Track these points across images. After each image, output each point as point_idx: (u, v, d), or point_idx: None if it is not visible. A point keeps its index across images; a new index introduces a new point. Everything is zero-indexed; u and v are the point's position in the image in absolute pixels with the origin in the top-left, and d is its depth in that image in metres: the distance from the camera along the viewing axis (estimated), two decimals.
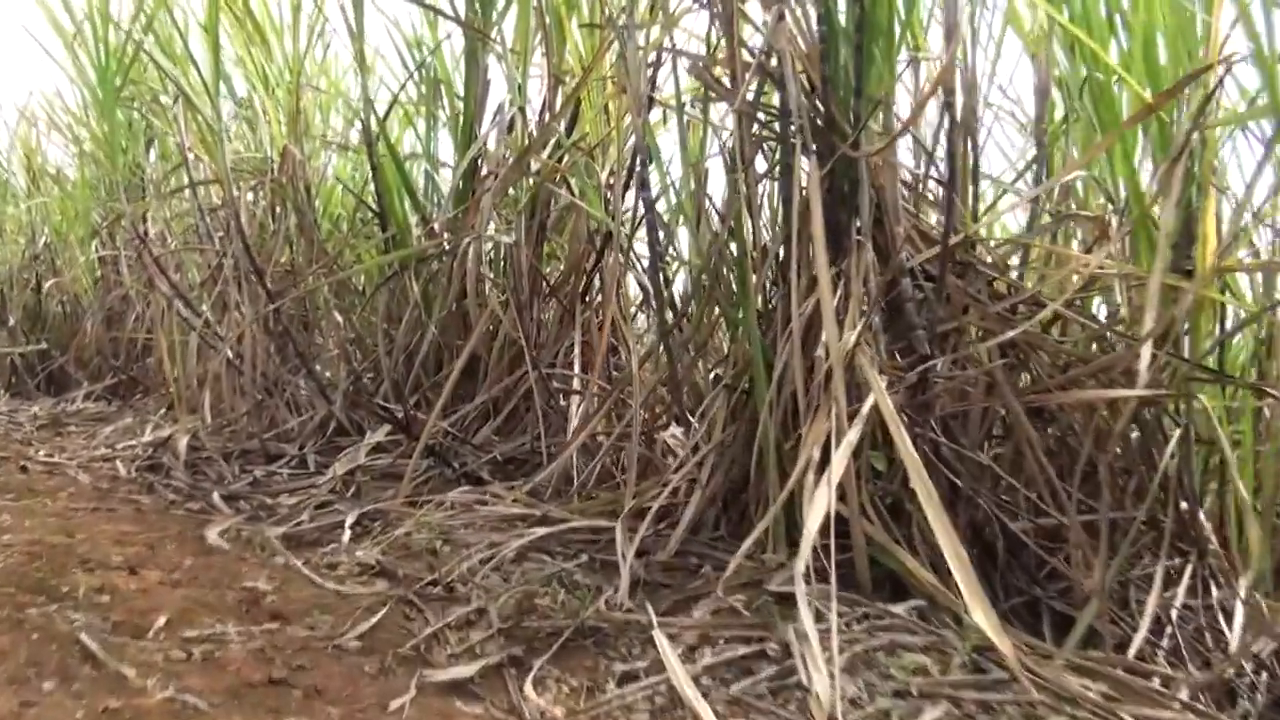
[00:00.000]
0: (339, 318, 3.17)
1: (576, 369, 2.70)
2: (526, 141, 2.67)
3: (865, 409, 1.80)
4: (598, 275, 2.83)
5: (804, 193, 1.98)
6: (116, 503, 2.44)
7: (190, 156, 3.69)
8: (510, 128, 3.00)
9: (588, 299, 2.82)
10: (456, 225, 3.10)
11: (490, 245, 3.01)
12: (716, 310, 2.29)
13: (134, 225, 3.48)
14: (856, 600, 1.75)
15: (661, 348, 2.19)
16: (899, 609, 1.75)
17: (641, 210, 2.34)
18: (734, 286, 2.20)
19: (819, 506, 1.64)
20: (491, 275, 3.07)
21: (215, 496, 2.58)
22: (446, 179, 3.28)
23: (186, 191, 4.86)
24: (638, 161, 2.18)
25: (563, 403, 2.80)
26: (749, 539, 1.75)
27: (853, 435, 1.76)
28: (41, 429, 3.94)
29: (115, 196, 5.16)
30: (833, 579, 1.55)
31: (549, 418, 2.71)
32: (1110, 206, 2.39)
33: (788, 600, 1.70)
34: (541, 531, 2.07)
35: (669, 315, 2.19)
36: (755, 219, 2.06)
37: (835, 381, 1.81)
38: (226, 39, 3.44)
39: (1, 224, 6.36)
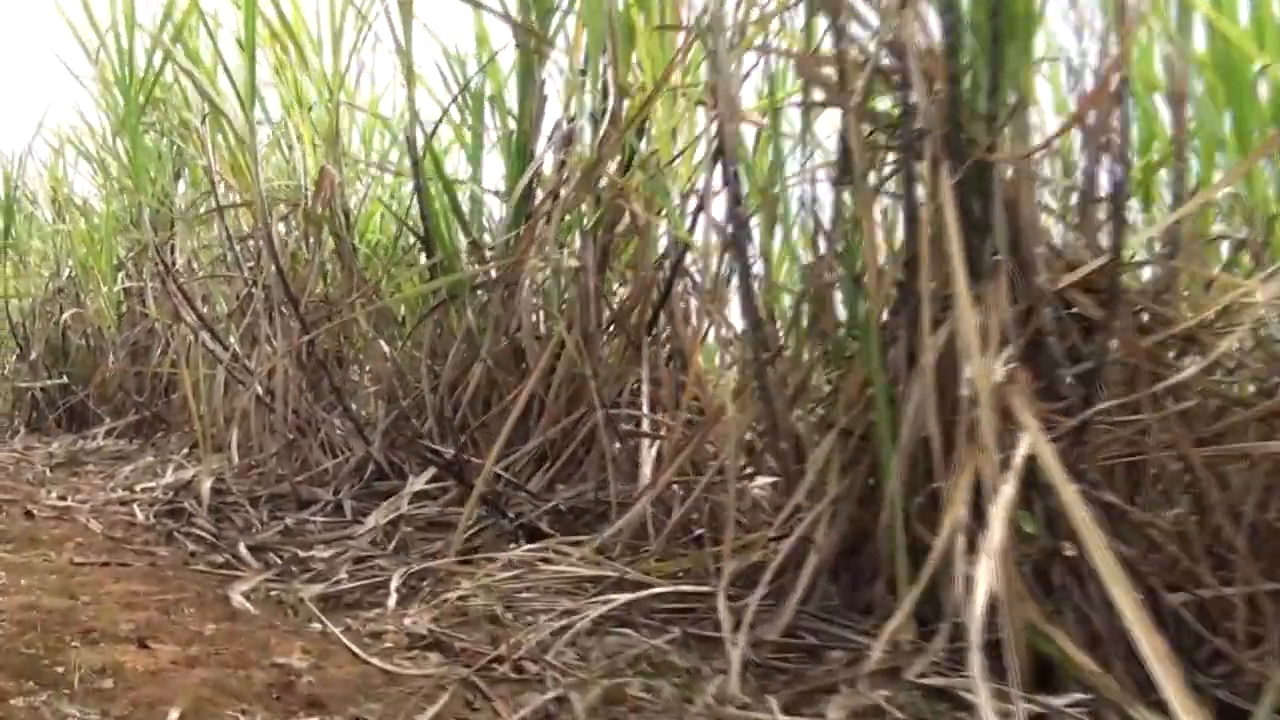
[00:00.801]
0: (385, 348, 2.85)
1: (645, 408, 2.37)
2: (596, 155, 2.36)
3: (1018, 459, 1.47)
4: (663, 306, 2.50)
5: (932, 207, 1.67)
6: (130, 555, 2.12)
7: (220, 183, 3.41)
8: (568, 141, 2.69)
9: (654, 331, 2.49)
10: (508, 251, 2.78)
11: (547, 272, 2.70)
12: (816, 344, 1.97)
13: (159, 253, 3.18)
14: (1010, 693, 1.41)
15: (755, 385, 1.86)
16: (1061, 703, 1.41)
17: (716, 231, 2.02)
18: (839, 316, 1.88)
19: (980, 583, 1.31)
20: (543, 305, 2.76)
21: (241, 547, 2.26)
22: (495, 203, 2.98)
23: (215, 220, 4.59)
24: (727, 175, 1.86)
25: (621, 446, 2.47)
26: (892, 624, 1.42)
27: (1009, 491, 1.43)
28: (57, 468, 3.63)
29: (141, 227, 4.88)
30: (1015, 678, 1.22)
31: (615, 463, 2.38)
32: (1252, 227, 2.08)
33: (938, 696, 1.37)
34: (622, 598, 1.74)
35: (763, 349, 1.86)
36: (872, 237, 1.74)
37: (983, 425, 1.49)
38: (261, 54, 3.15)
39: (25, 256, 6.08)
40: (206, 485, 2.64)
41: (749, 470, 2.09)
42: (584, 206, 2.46)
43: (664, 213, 2.39)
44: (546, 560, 1.96)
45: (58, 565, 1.97)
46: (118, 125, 3.76)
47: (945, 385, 1.68)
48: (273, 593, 1.94)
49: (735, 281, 2.01)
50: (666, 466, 2.09)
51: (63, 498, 2.82)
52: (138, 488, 3.03)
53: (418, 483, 2.54)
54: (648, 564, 1.94)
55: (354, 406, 2.87)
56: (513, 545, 2.18)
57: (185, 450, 3.66)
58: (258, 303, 2.94)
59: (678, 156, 2.34)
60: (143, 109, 3.21)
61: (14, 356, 5.85)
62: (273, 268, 2.93)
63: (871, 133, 1.85)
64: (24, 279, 6.03)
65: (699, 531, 2.09)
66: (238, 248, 3.53)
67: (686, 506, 1.96)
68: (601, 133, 2.42)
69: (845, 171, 1.83)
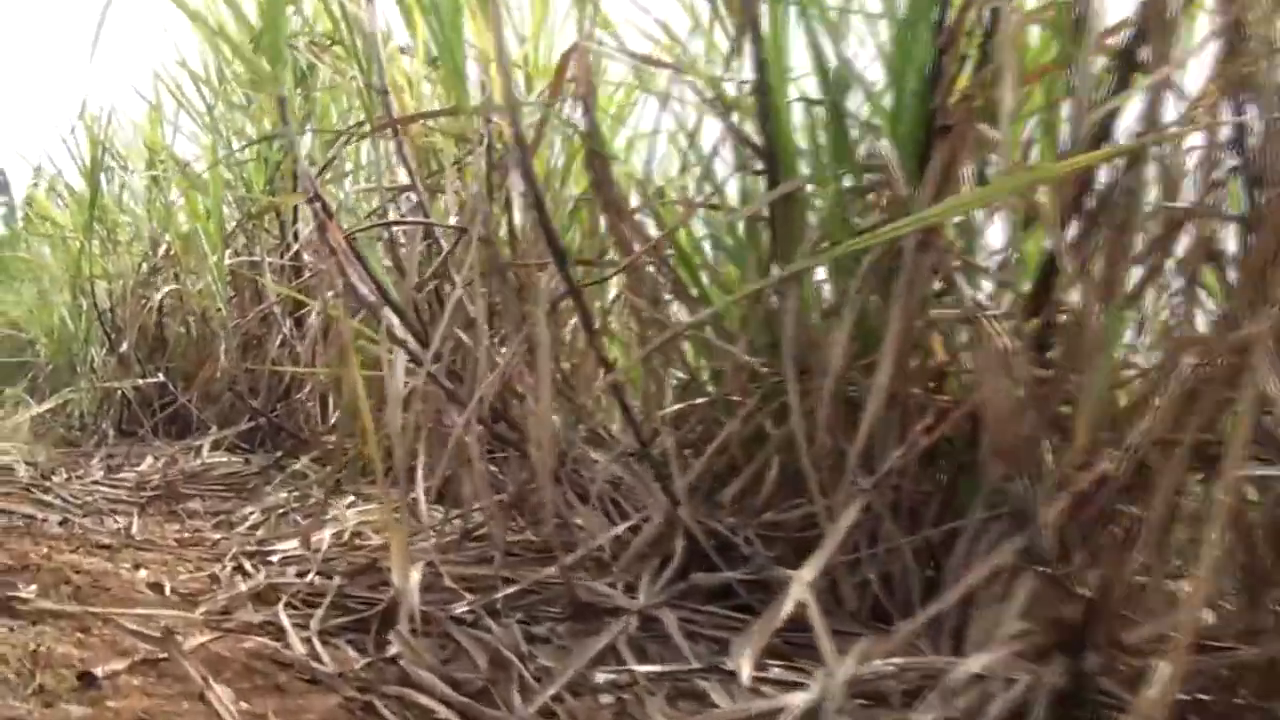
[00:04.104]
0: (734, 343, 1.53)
1: None
2: None
3: None
4: None
5: None
6: None
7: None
8: None
9: None
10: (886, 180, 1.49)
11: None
12: None
13: (316, 191, 1.85)
14: None
15: None
16: None
17: None
18: None
19: None
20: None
21: None
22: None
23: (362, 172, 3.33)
24: None
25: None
26: None
27: None
28: (149, 504, 2.36)
29: (256, 188, 3.63)
30: None
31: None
32: None
33: None
34: None
35: None
36: None
37: None
38: None
39: (115, 231, 4.84)
40: (414, 582, 1.35)
41: None
42: None
43: None
44: None
45: None
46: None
47: None
48: None
49: None
50: None
51: (156, 587, 1.54)
52: (275, 556, 1.75)
53: (807, 574, 1.23)
54: None
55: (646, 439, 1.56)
56: None
57: (331, 482, 2.38)
58: (469, 265, 1.64)
59: None
60: None
61: (102, 348, 4.62)
62: (528, 191, 1.63)
63: None
64: (114, 258, 4.79)
65: None
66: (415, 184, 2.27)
67: None
68: None
69: None
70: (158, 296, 3.83)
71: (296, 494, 2.38)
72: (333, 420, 3.23)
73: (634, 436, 1.48)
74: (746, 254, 1.70)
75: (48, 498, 2.20)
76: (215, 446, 3.31)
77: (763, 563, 1.45)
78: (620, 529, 1.50)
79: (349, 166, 3.46)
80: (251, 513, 2.23)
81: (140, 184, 4.68)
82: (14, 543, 1.65)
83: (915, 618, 1.19)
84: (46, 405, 3.97)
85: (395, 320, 1.58)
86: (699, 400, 1.58)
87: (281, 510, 2.25)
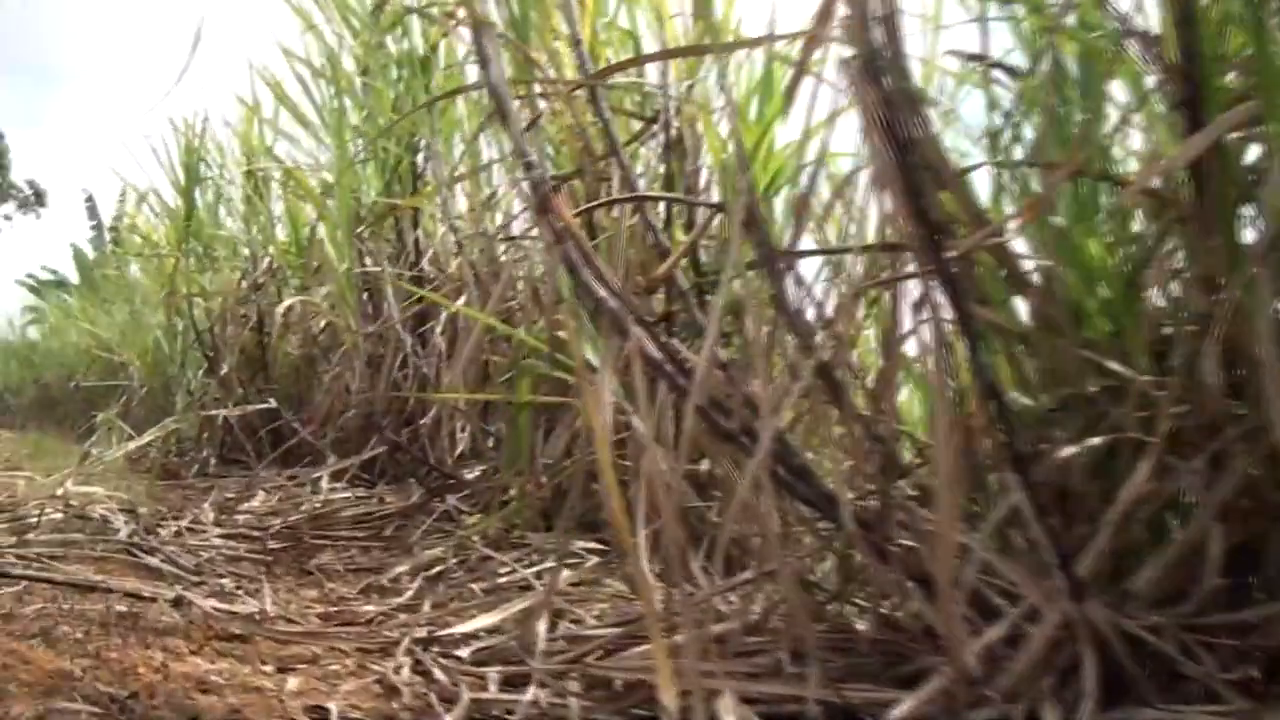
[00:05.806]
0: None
1: None
2: None
3: None
4: None
5: None
6: None
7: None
8: None
9: None
10: None
11: None
12: None
13: (530, 157, 1.35)
14: None
15: None
16: None
17: None
18: None
19: None
20: None
21: None
22: None
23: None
24: None
25: None
26: None
27: None
28: (276, 560, 1.90)
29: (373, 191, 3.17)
30: None
31: None
32: None
33: None
34: None
35: None
36: None
37: None
38: None
39: (211, 246, 4.43)
40: None
41: None
42: None
43: None
44: None
45: None
46: None
47: None
48: None
49: None
50: None
51: (316, 711, 1.06)
52: (463, 649, 1.27)
53: None
54: None
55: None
56: None
57: (494, 531, 1.90)
58: (734, 261, 1.15)
59: None
60: None
61: (199, 370, 4.20)
62: (744, 178, 1.14)
63: None
64: (211, 274, 4.38)
65: None
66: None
67: None
68: None
69: None
70: (279, 309, 3.38)
71: (453, 544, 1.90)
72: (460, 449, 2.76)
73: (1030, 501, 0.97)
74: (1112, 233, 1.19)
75: (154, 560, 1.74)
76: (335, 478, 2.85)
77: (1218, 687, 0.94)
78: (993, 634, 0.99)
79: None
80: (403, 572, 1.75)
81: (238, 194, 4.28)
82: (116, 646, 1.18)
83: None
84: (145, 438, 3.54)
85: (643, 335, 1.09)
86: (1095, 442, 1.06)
87: (438, 568, 1.77)
